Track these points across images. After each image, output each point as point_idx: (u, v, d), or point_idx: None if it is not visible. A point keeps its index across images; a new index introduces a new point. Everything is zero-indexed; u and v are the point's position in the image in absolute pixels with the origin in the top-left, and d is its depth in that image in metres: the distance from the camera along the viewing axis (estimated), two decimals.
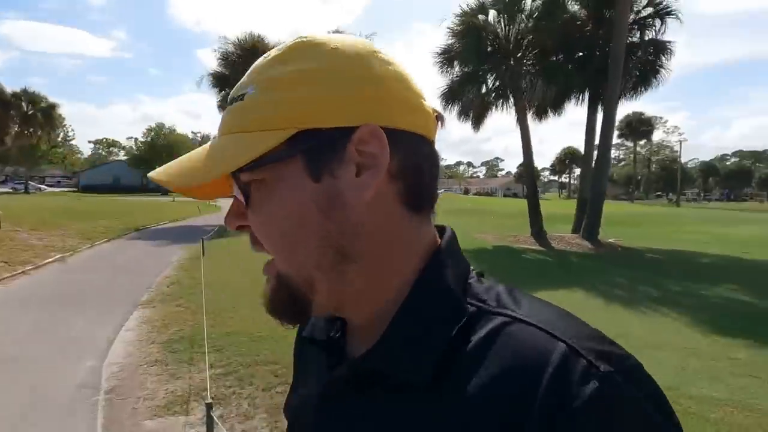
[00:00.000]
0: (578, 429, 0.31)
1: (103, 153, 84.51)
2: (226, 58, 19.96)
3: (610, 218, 13.21)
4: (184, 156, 0.43)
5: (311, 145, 0.38)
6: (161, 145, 52.81)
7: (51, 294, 6.65)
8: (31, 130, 38.75)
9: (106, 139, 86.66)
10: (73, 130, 56.59)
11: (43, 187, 50.49)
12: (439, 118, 0.44)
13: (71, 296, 6.55)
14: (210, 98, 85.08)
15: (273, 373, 3.87)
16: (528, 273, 8.99)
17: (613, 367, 0.33)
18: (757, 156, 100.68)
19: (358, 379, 0.40)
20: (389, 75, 0.41)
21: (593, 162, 14.29)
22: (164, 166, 0.44)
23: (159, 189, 54.43)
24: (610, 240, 13.20)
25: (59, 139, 49.28)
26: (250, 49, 19.90)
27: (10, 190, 40.81)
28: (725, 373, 4.13)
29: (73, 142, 59.15)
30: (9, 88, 37.82)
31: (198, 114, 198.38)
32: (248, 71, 0.43)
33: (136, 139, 60.50)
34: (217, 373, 3.85)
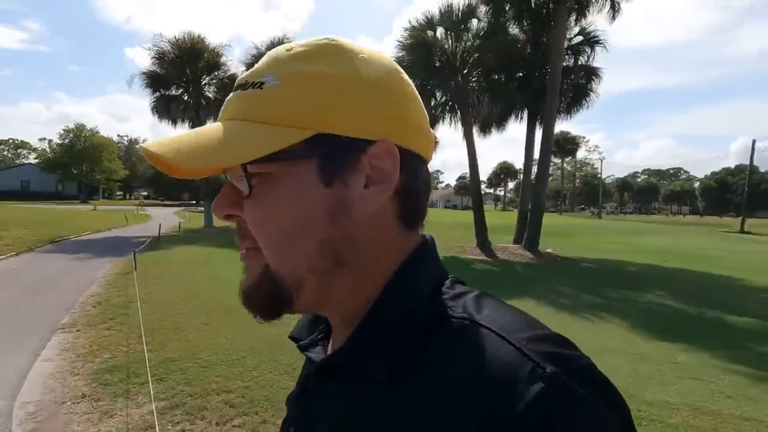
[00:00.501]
0: (522, 430, 0.31)
1: (9, 155, 75.71)
2: (161, 57, 18.72)
3: (545, 229, 13.94)
4: (188, 133, 0.41)
5: (329, 149, 0.39)
6: (82, 148, 48.29)
7: None
8: None
9: (14, 139, 77.95)
10: None
11: None
12: (437, 142, 0.48)
13: None
14: (140, 100, 79.61)
15: (227, 403, 3.47)
16: (479, 283, 9.03)
17: (559, 368, 0.33)
18: (661, 174, 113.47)
19: (327, 375, 0.43)
20: (409, 96, 0.43)
21: (532, 176, 15.08)
22: (167, 139, 0.41)
23: (77, 196, 49.92)
24: (548, 250, 13.94)
25: None
26: (188, 49, 18.84)
27: None
28: (672, 377, 4.38)
29: None
30: None
31: (125, 116, 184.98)
32: (265, 60, 0.43)
33: (50, 141, 54.60)
34: (162, 407, 3.37)
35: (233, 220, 0.43)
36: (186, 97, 19.80)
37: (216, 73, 20.15)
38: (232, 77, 19.11)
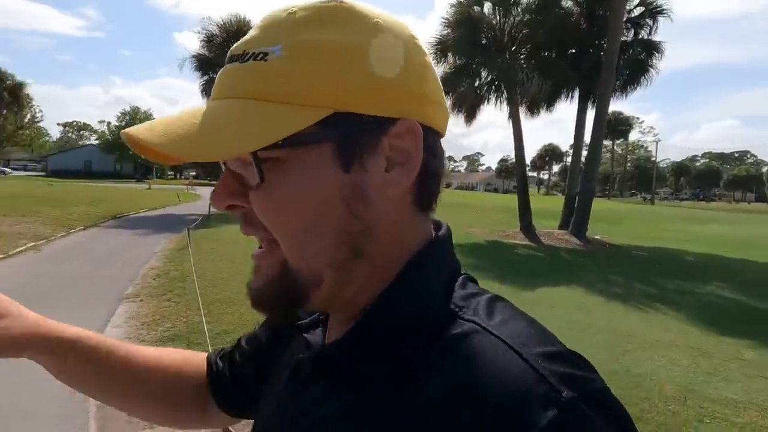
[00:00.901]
0: None
1: (73, 136, 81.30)
2: (210, 40, 19.23)
3: (593, 215, 13.35)
4: (180, 116, 0.36)
5: (347, 131, 0.35)
6: None
7: (25, 286, 6.16)
8: None
9: (77, 122, 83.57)
10: (41, 111, 54.03)
11: (7, 170, 47.97)
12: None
13: (48, 288, 6.09)
14: (190, 83, 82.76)
15: None
16: (524, 269, 8.94)
17: (576, 392, 0.30)
18: (724, 158, 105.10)
19: (320, 366, 0.40)
20: (427, 67, 0.39)
21: (582, 159, 14.40)
22: (153, 123, 0.36)
23: (133, 175, 53.18)
24: (597, 237, 13.37)
25: (26, 120, 46.82)
26: (235, 31, 19.23)
27: None
28: (738, 374, 4.12)
29: (41, 123, 56.30)
30: None
31: (175, 99, 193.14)
32: (264, 26, 0.37)
33: (108, 123, 58.19)
34: None
35: (236, 211, 0.39)
36: None
37: None
38: None
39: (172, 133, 0.34)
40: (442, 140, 0.42)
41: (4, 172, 43.97)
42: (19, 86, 38.19)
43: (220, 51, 19.34)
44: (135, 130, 0.35)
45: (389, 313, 0.37)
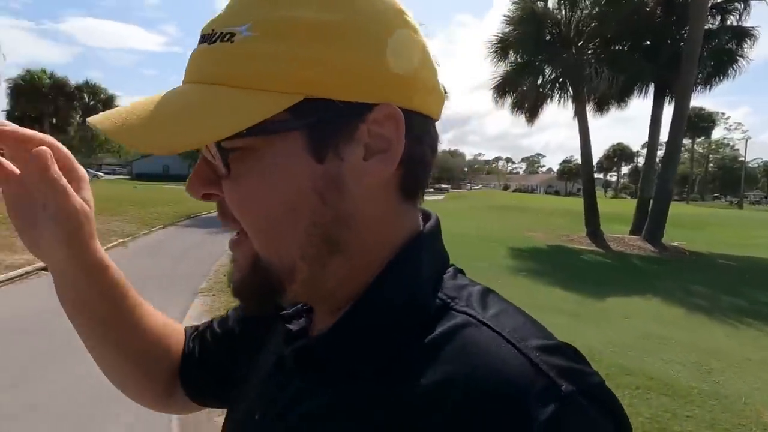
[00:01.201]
0: None
1: None
2: None
3: (670, 220, 12.26)
4: (143, 102, 0.34)
5: (320, 117, 0.32)
6: None
7: None
8: None
9: None
10: None
11: (100, 174, 53.56)
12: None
13: (134, 282, 6.59)
14: None
15: None
16: (590, 275, 8.43)
17: (575, 386, 0.30)
18: None
19: (305, 360, 0.38)
20: (415, 46, 0.35)
21: (657, 159, 13.32)
22: (115, 111, 0.34)
23: None
24: (674, 243, 12.29)
25: None
26: None
27: None
28: None
29: None
30: (73, 81, 40.25)
31: None
32: (235, 1, 0.35)
33: None
34: None
35: (213, 200, 0.38)
36: None
37: None
38: None
39: (128, 122, 0.33)
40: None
41: (97, 176, 49.16)
42: (111, 99, 42.52)
43: None
44: (98, 118, 0.34)
45: (376, 305, 0.36)
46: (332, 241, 0.35)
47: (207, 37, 0.34)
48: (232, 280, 0.39)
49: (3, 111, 36.16)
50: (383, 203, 0.36)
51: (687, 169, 68.96)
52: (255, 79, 0.32)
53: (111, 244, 9.24)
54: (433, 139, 0.38)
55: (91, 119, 0.34)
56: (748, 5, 12.50)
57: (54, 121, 36.61)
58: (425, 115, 0.37)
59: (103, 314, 0.50)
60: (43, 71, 37.08)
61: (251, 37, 0.32)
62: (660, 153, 13.41)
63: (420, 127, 0.36)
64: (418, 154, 0.36)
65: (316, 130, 0.33)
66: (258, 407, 0.43)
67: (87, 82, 41.40)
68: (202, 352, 0.57)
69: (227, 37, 0.32)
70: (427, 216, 0.42)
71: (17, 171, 0.45)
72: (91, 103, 40.84)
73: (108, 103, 41.73)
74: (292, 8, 0.32)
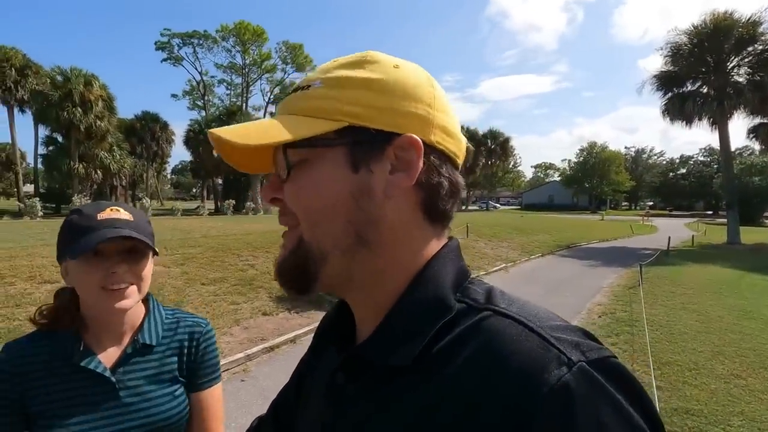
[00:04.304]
0: (543, 414, 0.33)
1: (541, 175, 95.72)
2: (676, 53, 17.03)
3: None
4: (247, 123, 0.47)
5: (357, 139, 0.44)
6: (593, 163, 53.49)
7: None
8: (492, 160, 49.22)
9: (545, 163, 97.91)
10: (520, 157, 67.56)
11: (497, 205, 62.86)
12: (468, 151, 0.52)
13: None
14: (650, 108, 78.14)
15: None
16: None
17: (583, 357, 0.35)
18: None
19: (355, 367, 0.44)
20: (437, 100, 0.47)
21: None
22: (236, 126, 0.47)
23: (588, 207, 55.92)
24: None
25: (510, 166, 59.82)
26: (709, 33, 16.08)
27: (477, 208, 53.43)
28: None
29: (519, 168, 70.33)
30: (480, 131, 49.64)
31: (633, 128, 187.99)
32: (316, 70, 0.49)
33: (569, 160, 64.27)
34: None
35: (277, 205, 0.47)
36: (705, 89, 16.97)
37: (750, 49, 15.97)
38: None
39: (237, 132, 0.44)
40: None
41: (495, 207, 57.97)
42: (507, 141, 49.36)
43: (686, 61, 16.73)
44: (217, 130, 0.44)
45: (412, 309, 0.43)
46: (361, 237, 0.44)
47: (294, 90, 0.48)
48: (277, 262, 0.47)
49: None
50: (405, 214, 0.45)
51: None
52: (316, 110, 0.44)
53: (495, 269, 10.28)
54: (452, 176, 0.47)
55: (212, 130, 0.44)
56: None
57: (467, 164, 46.32)
58: (444, 152, 0.46)
59: None
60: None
61: (320, 86, 0.45)
62: None
63: (438, 161, 0.45)
64: (435, 182, 0.45)
65: (354, 148, 0.43)
66: (319, 420, 0.48)
67: (490, 130, 49.93)
68: None
69: (307, 87, 0.46)
70: (450, 240, 0.49)
71: None
72: (492, 146, 48.80)
73: (504, 145, 48.58)
74: (347, 71, 0.46)
